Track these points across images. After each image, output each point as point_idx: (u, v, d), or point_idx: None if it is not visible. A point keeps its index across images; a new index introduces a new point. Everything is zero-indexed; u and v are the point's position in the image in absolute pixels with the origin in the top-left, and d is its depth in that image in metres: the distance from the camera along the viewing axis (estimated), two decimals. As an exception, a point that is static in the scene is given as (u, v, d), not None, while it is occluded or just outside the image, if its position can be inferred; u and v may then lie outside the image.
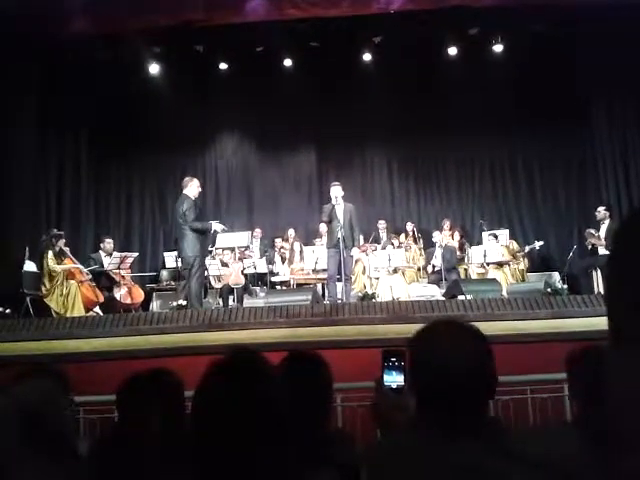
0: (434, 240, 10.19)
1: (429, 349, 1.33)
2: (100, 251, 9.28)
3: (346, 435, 2.45)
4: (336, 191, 8.12)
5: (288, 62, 10.53)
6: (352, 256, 8.31)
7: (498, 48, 10.11)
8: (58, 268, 8.31)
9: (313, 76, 10.58)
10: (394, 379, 1.64)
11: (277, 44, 9.98)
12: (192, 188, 7.78)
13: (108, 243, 9.32)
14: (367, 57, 10.37)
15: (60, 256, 8.46)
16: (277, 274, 10.16)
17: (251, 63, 10.28)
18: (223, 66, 10.54)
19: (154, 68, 10.19)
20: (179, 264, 8.54)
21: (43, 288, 8.24)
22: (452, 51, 10.21)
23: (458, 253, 10.20)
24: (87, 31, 8.70)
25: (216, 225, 7.95)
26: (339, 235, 7.76)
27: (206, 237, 8.07)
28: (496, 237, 9.90)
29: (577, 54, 9.75)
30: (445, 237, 10.36)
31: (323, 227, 9.49)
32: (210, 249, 9.63)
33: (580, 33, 9.30)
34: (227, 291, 9.06)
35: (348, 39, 9.92)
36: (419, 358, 1.34)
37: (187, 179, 7.94)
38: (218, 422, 1.24)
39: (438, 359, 1.30)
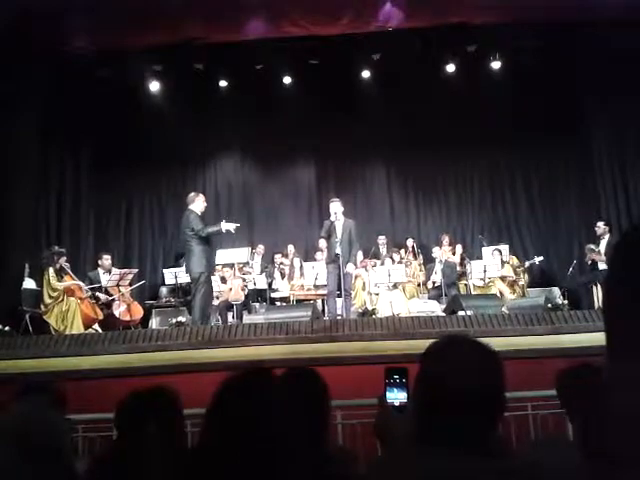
0: (434, 255, 10.20)
1: (441, 364, 1.31)
2: (98, 268, 9.25)
3: (347, 452, 2.43)
4: (335, 207, 8.12)
5: (287, 79, 10.58)
6: (349, 272, 8.29)
7: (496, 65, 10.16)
8: (59, 285, 8.29)
9: (312, 93, 10.63)
10: (396, 396, 1.62)
11: (276, 62, 10.05)
12: (198, 203, 7.81)
13: (106, 259, 9.27)
14: (366, 74, 10.42)
15: (60, 273, 8.44)
16: (277, 290, 10.13)
17: (251, 80, 10.33)
18: (223, 83, 10.59)
19: (154, 86, 10.25)
20: (185, 280, 8.51)
21: (42, 305, 8.22)
22: (450, 68, 10.26)
23: (458, 268, 10.19)
24: (87, 48, 8.76)
25: (225, 225, 7.82)
26: (337, 251, 7.76)
27: (212, 251, 8.04)
28: (501, 252, 9.90)
29: (576, 69, 9.82)
30: (445, 252, 10.35)
31: (323, 243, 9.50)
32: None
33: (579, 49, 9.36)
34: (225, 307, 9.03)
35: (347, 56, 9.98)
36: (430, 373, 1.32)
37: (192, 194, 7.98)
38: (232, 438, 1.25)
39: (449, 375, 1.28)
